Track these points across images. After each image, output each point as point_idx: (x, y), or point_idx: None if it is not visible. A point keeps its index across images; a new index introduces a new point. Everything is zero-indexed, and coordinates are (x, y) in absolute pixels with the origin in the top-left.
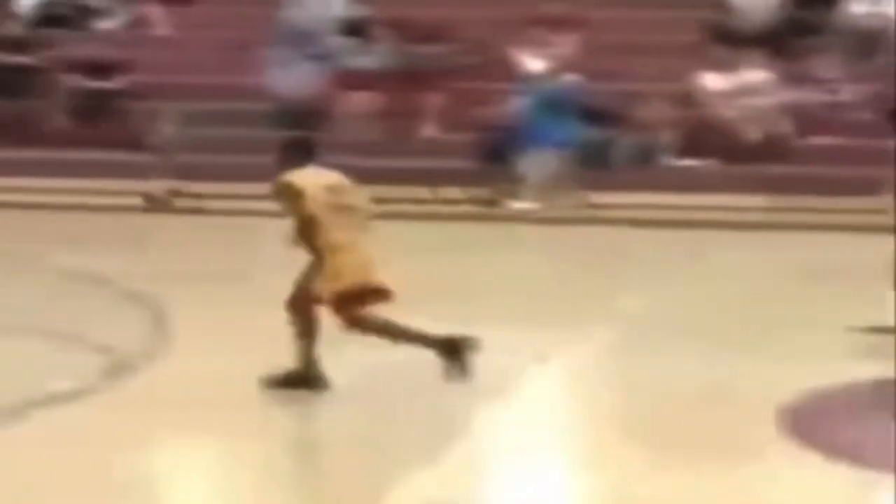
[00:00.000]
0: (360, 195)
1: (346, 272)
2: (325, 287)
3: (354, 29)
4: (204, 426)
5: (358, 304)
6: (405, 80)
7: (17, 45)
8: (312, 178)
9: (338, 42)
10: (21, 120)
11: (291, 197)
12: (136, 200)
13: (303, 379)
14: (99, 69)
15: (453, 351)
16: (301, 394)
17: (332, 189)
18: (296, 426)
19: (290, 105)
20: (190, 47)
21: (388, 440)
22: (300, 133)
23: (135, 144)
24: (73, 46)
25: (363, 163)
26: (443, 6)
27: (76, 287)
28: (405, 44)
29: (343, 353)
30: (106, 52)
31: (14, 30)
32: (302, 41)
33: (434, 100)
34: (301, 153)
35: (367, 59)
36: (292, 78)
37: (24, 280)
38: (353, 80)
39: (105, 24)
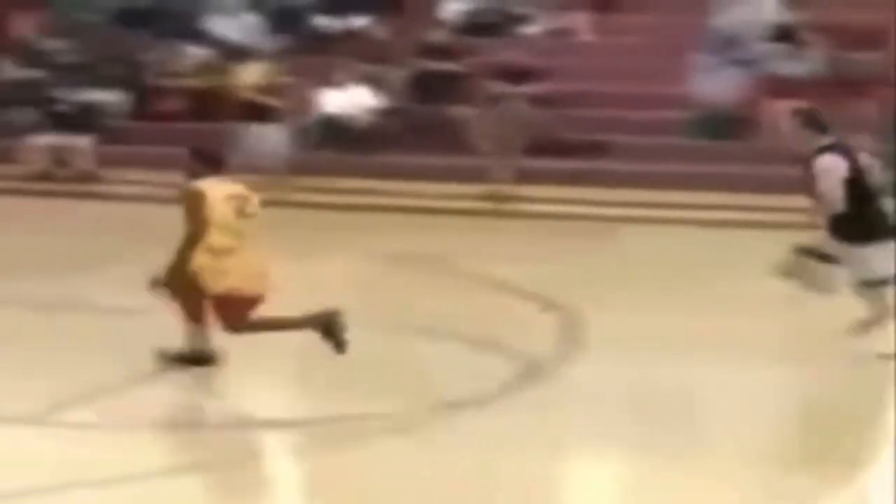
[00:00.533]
0: (257, 205)
1: (232, 274)
2: (213, 285)
3: (784, 34)
4: (612, 434)
5: (240, 310)
6: (836, 88)
7: (444, 52)
8: (216, 188)
9: (766, 47)
10: (447, 125)
11: (196, 202)
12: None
13: (192, 359)
14: (519, 75)
15: (328, 328)
16: None
17: (231, 198)
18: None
19: (715, 112)
20: (614, 54)
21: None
22: (211, 146)
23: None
24: (496, 52)
25: (788, 171)
26: (878, 10)
27: (486, 292)
28: (837, 50)
29: None
30: (528, 59)
31: (441, 37)
32: (729, 46)
33: (865, 108)
34: (210, 163)
35: (796, 65)
36: (718, 84)
37: (438, 284)
38: (781, 87)
39: (528, 31)
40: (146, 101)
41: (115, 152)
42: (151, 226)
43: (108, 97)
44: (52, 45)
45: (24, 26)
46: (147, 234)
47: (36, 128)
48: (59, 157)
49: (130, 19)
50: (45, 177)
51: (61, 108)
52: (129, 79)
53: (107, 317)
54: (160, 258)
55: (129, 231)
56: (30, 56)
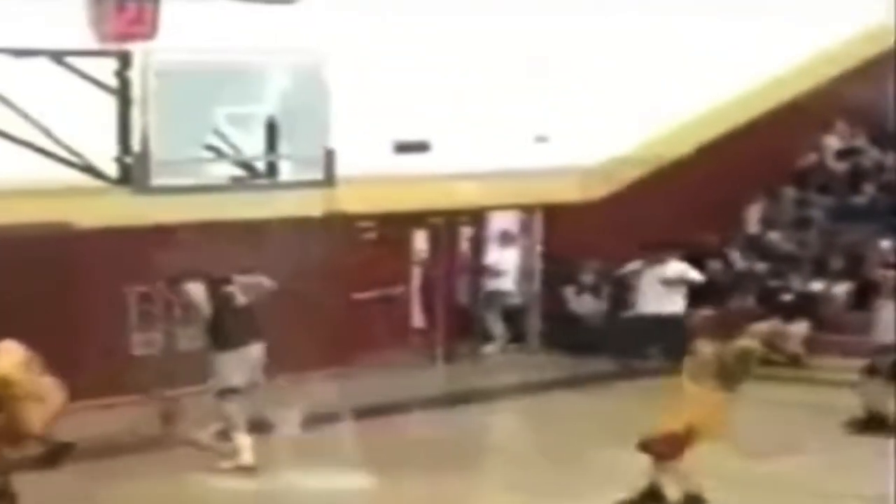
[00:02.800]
0: None
1: None
2: None
3: None
4: None
5: None
6: None
7: None
8: None
9: None
10: None
11: None
12: None
13: None
14: None
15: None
16: None
17: None
18: None
19: None
20: None
21: None
22: None
23: None
24: None
25: None
26: None
27: None
28: None
29: None
30: None
31: None
32: None
33: None
34: None
35: None
36: None
37: None
38: None
39: None
40: (866, 292)
41: (827, 340)
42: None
43: (828, 288)
44: (776, 237)
45: (751, 221)
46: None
47: (758, 316)
48: (771, 342)
49: (851, 214)
50: (764, 362)
51: (785, 297)
52: (849, 271)
53: None
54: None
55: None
56: (755, 248)
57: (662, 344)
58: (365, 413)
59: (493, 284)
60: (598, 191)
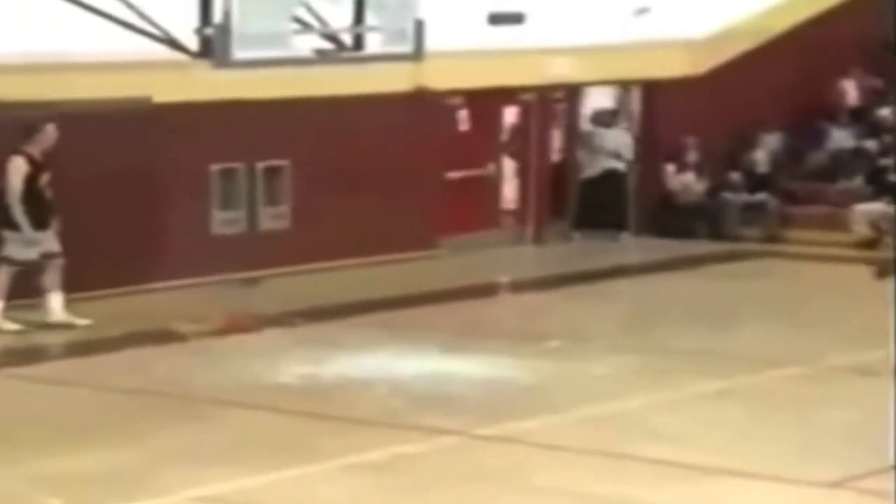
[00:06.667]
0: None
1: None
2: None
3: None
4: None
5: None
6: None
7: None
8: None
9: None
10: None
11: None
12: None
13: None
14: None
15: None
16: None
17: None
18: None
19: None
20: None
21: None
22: None
23: None
24: None
25: None
26: None
27: None
28: None
29: None
30: None
31: None
32: None
33: None
34: None
35: None
36: None
37: None
38: None
39: None
40: None
41: None
42: None
43: None
44: (886, 113)
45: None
46: None
47: (864, 196)
48: (877, 224)
49: None
50: (869, 244)
51: (892, 177)
52: None
53: None
54: None
55: None
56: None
57: None
58: (457, 294)
59: (591, 163)
60: (700, 66)
